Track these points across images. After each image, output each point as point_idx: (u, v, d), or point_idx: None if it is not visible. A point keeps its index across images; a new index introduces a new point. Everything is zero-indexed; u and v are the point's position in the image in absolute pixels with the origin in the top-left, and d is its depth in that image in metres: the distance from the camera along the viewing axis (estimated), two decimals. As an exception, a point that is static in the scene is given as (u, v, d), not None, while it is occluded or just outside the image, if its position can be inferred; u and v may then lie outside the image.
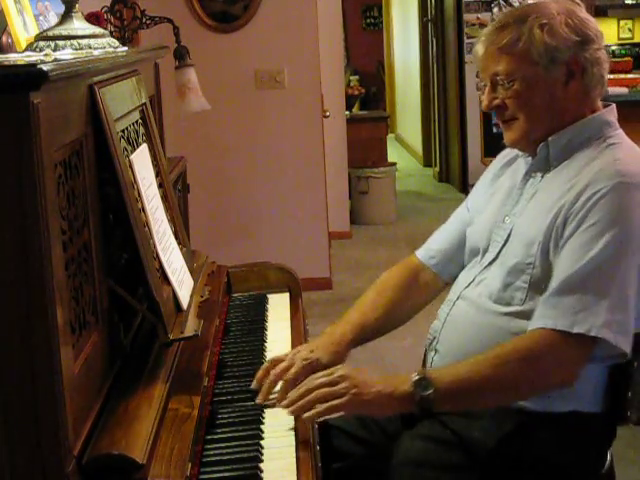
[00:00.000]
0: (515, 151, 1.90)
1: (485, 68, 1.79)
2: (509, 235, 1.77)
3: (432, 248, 2.00)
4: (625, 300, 1.62)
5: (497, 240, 1.80)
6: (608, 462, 1.77)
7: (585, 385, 1.69)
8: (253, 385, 1.68)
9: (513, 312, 1.71)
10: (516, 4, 7.77)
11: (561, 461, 1.71)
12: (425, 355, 1.92)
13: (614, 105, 1.81)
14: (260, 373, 1.70)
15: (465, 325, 1.77)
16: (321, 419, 1.58)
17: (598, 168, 1.68)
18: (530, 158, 1.82)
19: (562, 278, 1.63)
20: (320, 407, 1.56)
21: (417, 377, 1.59)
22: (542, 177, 1.79)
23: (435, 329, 1.85)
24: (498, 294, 1.74)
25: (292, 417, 1.58)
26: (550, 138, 1.76)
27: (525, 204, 1.78)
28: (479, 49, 1.80)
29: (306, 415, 1.55)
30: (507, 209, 1.82)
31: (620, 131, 1.79)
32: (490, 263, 1.80)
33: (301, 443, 1.51)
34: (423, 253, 2.01)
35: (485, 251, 1.83)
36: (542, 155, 1.78)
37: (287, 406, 1.58)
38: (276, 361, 1.73)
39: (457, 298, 1.83)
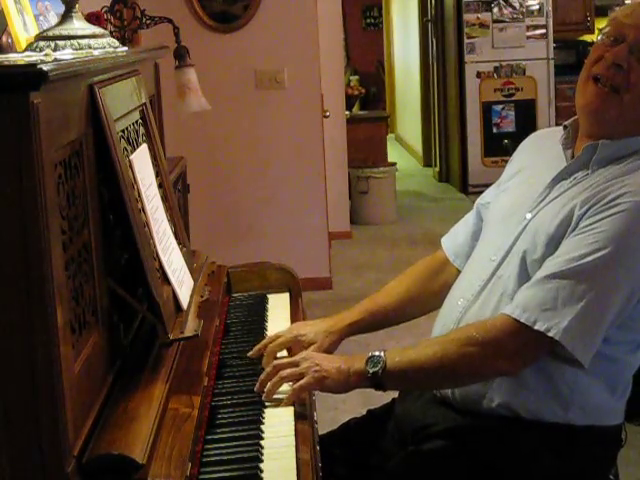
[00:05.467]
0: (550, 140, 1.84)
1: None
2: (523, 231, 1.71)
3: (458, 243, 1.96)
4: (597, 314, 1.58)
5: (511, 234, 1.74)
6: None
7: (611, 401, 1.69)
8: (250, 354, 1.83)
9: None
10: (516, 4, 7.77)
11: (570, 472, 1.70)
12: None
13: None
14: (259, 345, 1.84)
15: None
16: (289, 404, 1.63)
17: (630, 182, 1.62)
18: (569, 156, 1.76)
19: (547, 272, 1.61)
20: (289, 393, 1.63)
21: (370, 355, 1.64)
22: (573, 181, 1.71)
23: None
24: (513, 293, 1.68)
25: (292, 417, 1.59)
26: (602, 141, 1.68)
27: (548, 202, 1.72)
28: None
29: (283, 400, 1.63)
30: (530, 204, 1.74)
31: None
32: (503, 259, 1.74)
33: (301, 443, 1.51)
34: (450, 249, 1.98)
35: (497, 246, 1.76)
36: (585, 157, 1.71)
37: (262, 393, 1.65)
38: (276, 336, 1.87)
39: (475, 297, 1.76)
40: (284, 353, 1.87)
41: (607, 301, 1.59)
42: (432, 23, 8.75)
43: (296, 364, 1.67)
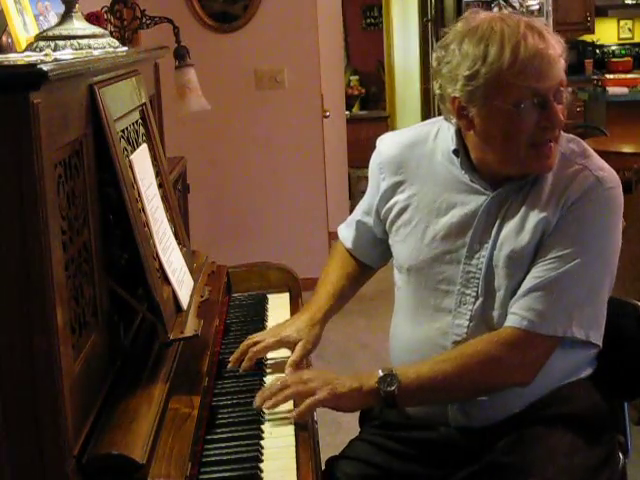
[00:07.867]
0: (417, 155, 1.92)
1: (553, 76, 1.63)
2: (490, 264, 1.70)
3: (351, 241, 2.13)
4: (595, 295, 1.67)
5: (474, 275, 1.72)
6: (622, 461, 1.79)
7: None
8: (230, 366, 1.79)
9: None
10: (516, 4, 7.76)
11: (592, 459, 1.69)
12: None
13: None
14: (236, 354, 1.80)
15: None
16: (302, 417, 1.59)
17: (575, 179, 1.66)
18: (477, 177, 1.74)
19: (537, 279, 1.64)
20: (301, 406, 1.59)
21: (383, 373, 1.64)
22: (513, 202, 1.70)
23: None
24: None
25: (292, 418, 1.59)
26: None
27: (498, 229, 1.70)
28: (549, 54, 1.60)
29: (292, 415, 1.58)
30: (473, 240, 1.72)
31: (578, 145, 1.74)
32: (478, 296, 1.72)
33: (301, 443, 1.51)
34: (349, 245, 2.14)
35: (459, 287, 1.73)
36: (521, 182, 1.70)
37: (269, 403, 1.60)
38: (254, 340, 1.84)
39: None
40: (284, 354, 1.86)
41: (600, 287, 1.69)
42: (432, 23, 8.75)
43: (304, 382, 1.63)
